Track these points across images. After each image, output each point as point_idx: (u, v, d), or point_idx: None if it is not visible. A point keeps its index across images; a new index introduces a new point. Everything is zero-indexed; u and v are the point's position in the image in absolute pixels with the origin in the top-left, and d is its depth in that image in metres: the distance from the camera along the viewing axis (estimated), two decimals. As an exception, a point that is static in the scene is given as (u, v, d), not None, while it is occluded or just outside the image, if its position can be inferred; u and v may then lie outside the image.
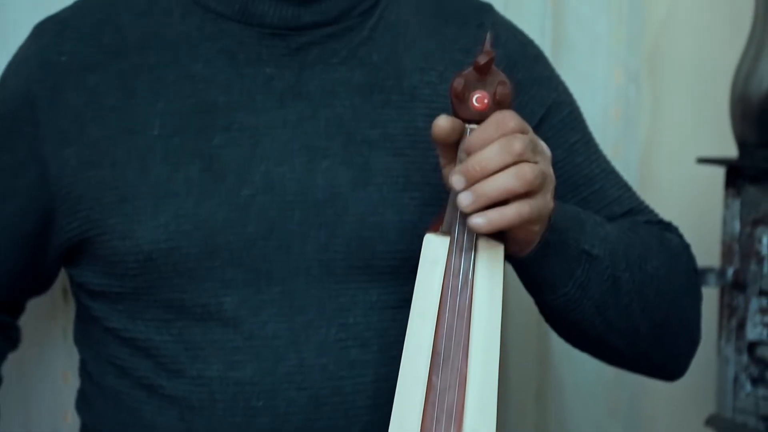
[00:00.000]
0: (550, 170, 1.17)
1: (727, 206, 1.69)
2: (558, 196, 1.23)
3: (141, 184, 1.22)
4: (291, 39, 1.26)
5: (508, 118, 1.13)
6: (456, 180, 1.12)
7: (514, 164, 1.12)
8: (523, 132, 1.14)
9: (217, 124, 1.23)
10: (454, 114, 1.15)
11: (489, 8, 1.38)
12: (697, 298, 1.36)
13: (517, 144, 1.12)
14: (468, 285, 1.15)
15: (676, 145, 1.85)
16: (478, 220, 1.13)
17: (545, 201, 1.16)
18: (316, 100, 1.25)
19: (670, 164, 1.80)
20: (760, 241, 1.65)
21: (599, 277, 1.24)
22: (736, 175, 1.68)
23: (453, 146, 1.16)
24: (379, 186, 1.24)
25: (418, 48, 1.30)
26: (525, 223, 1.15)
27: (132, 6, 1.29)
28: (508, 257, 1.21)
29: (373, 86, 1.27)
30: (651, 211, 1.39)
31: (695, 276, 1.36)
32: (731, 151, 1.72)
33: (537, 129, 1.19)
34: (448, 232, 1.16)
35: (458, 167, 1.13)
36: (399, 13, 1.32)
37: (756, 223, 1.65)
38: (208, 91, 1.25)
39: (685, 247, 1.37)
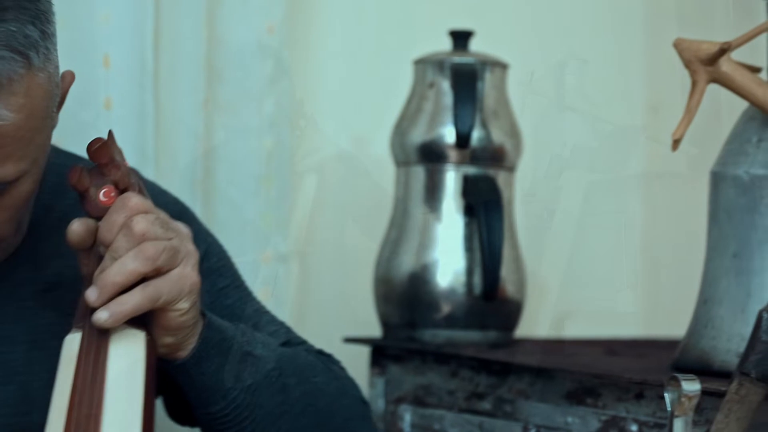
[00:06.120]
0: (190, 246, 1.14)
1: (372, 385, 1.73)
2: None
3: None
4: None
5: (128, 198, 1.11)
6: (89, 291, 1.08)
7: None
8: (146, 210, 1.11)
9: None
10: (89, 216, 1.13)
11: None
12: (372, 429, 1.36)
13: (139, 225, 1.09)
14: (97, 382, 1.08)
15: (323, 325, 1.89)
16: (100, 315, 1.07)
17: (182, 275, 1.12)
18: None
19: (318, 344, 1.82)
20: (402, 418, 1.69)
21: (268, 380, 1.22)
22: (381, 355, 1.72)
23: (94, 252, 1.13)
24: (22, 384, 1.19)
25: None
26: (165, 304, 1.10)
27: None
28: (169, 366, 1.16)
29: (15, 282, 1.22)
30: (309, 343, 1.39)
31: (366, 408, 1.37)
32: (376, 331, 1.77)
33: None
34: (80, 327, 1.11)
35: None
36: None
37: (399, 401, 1.69)
38: None
39: (352, 380, 1.37)
